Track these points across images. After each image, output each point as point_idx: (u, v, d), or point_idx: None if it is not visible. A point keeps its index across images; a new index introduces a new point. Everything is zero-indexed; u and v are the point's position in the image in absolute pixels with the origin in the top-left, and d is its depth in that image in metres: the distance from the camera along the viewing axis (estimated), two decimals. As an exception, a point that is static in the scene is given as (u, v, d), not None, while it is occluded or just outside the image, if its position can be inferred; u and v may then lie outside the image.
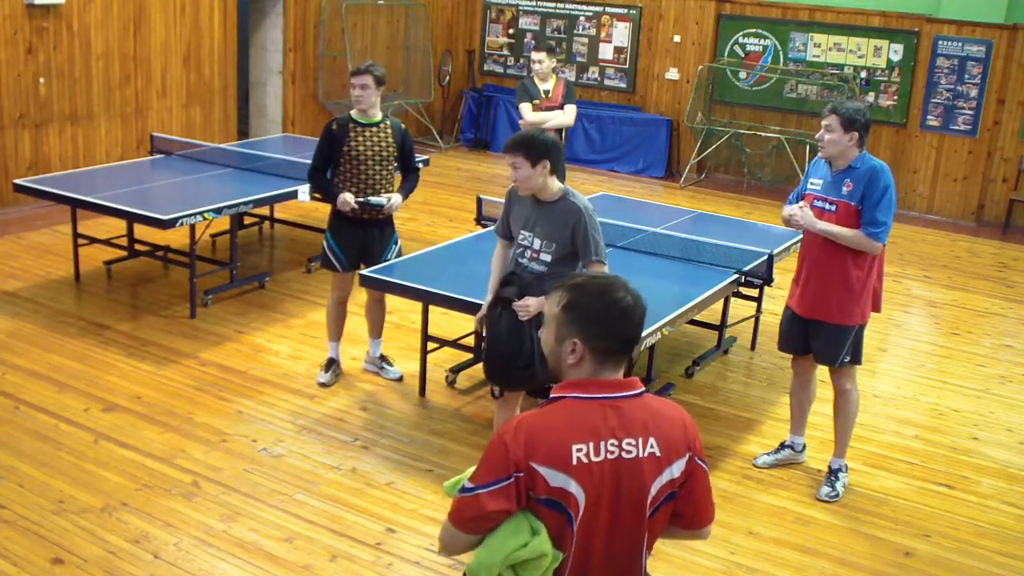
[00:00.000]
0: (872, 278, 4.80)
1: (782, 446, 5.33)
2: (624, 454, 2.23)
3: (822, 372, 5.21)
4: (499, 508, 2.16)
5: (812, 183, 4.84)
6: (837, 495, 5.00)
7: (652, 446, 2.26)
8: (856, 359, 4.92)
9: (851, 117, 4.59)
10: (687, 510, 2.39)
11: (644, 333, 4.93)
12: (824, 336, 4.86)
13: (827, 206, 4.73)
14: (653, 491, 2.27)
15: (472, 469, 2.28)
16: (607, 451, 2.21)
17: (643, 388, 2.33)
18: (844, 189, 4.67)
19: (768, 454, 5.32)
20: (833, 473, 5.08)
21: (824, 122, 4.70)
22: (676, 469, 2.31)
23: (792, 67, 11.82)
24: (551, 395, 2.31)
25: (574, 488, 2.18)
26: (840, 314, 4.78)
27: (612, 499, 2.23)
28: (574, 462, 2.18)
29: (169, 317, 6.75)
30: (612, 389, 2.27)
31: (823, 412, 5.41)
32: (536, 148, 4.15)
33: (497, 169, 12.09)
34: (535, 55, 7.69)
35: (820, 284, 4.78)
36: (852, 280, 4.74)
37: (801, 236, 5.04)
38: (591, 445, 2.20)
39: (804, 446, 5.31)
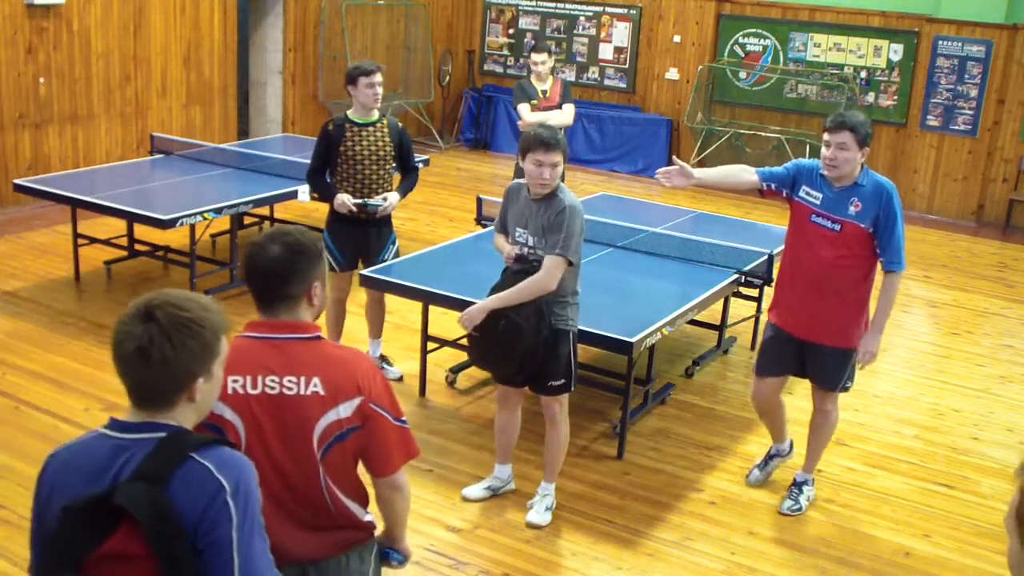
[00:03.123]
0: (871, 296, 4.56)
1: (769, 456, 5.09)
2: (285, 391, 2.44)
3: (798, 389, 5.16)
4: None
5: (808, 194, 4.45)
6: (800, 508, 4.82)
7: (316, 385, 2.44)
8: (852, 379, 4.69)
9: (865, 133, 4.26)
10: (368, 456, 2.54)
11: (644, 333, 4.97)
12: (826, 361, 4.57)
13: (830, 224, 4.38)
14: (319, 429, 2.45)
15: None
16: (265, 386, 2.44)
17: (317, 333, 2.52)
18: (851, 209, 4.33)
19: (758, 467, 5.08)
20: (797, 486, 4.90)
21: (835, 139, 4.27)
22: (344, 410, 2.46)
23: (792, 67, 11.82)
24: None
25: (230, 416, 2.43)
26: (845, 336, 4.50)
27: (276, 431, 2.44)
28: (229, 391, 2.42)
29: (169, 317, 6.74)
30: (280, 330, 2.49)
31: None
32: (566, 149, 4.26)
33: (497, 169, 12.09)
34: (537, 56, 7.69)
35: (824, 306, 4.46)
36: (856, 301, 4.47)
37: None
38: (247, 379, 2.44)
39: (791, 444, 5.09)
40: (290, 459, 2.46)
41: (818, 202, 4.40)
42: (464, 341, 6.08)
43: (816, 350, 4.55)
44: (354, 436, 2.48)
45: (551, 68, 7.71)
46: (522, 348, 4.23)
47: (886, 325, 4.50)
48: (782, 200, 4.58)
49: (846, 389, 4.66)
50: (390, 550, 2.77)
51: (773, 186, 4.53)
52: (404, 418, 2.58)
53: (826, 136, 4.31)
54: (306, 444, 2.45)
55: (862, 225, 4.32)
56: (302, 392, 2.44)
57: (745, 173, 4.61)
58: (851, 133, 4.23)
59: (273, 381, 2.44)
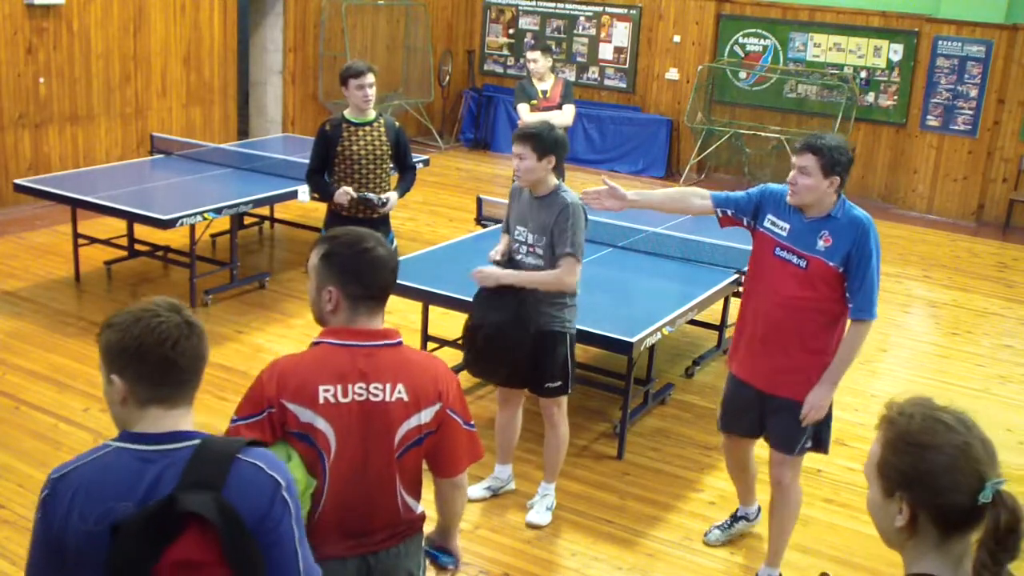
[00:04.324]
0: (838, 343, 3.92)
1: (735, 518, 4.55)
2: (371, 397, 2.46)
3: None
4: (255, 438, 2.29)
5: (774, 224, 3.87)
6: None
7: (400, 392, 2.48)
8: (820, 446, 4.01)
9: (833, 159, 3.66)
10: (438, 458, 2.61)
11: (644, 333, 4.97)
12: (783, 416, 3.93)
13: (795, 259, 3.79)
14: (400, 433, 2.50)
15: None
16: (355, 394, 2.45)
17: (399, 339, 2.54)
18: (821, 243, 3.75)
19: (719, 528, 4.54)
20: None
21: (798, 162, 3.72)
22: (425, 416, 2.52)
23: (792, 67, 11.82)
24: (312, 342, 2.52)
25: (322, 425, 2.43)
26: (806, 390, 3.86)
27: (361, 437, 2.47)
28: (321, 401, 2.42)
29: (169, 317, 6.74)
30: (365, 338, 2.49)
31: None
32: (544, 143, 4.19)
33: (497, 169, 12.09)
34: (530, 55, 7.71)
35: (781, 349, 3.86)
36: (821, 351, 3.84)
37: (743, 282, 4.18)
38: (338, 387, 2.43)
39: (759, 509, 4.57)
40: (372, 464, 2.50)
41: (784, 233, 3.83)
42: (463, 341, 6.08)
43: (774, 403, 3.95)
44: (429, 440, 2.56)
45: (550, 67, 7.71)
46: (505, 356, 4.20)
47: (845, 374, 3.87)
48: (745, 229, 4.04)
49: (803, 451, 3.99)
50: (440, 552, 2.81)
51: (730, 213, 4.00)
52: (472, 422, 2.64)
53: (792, 158, 3.81)
54: (388, 449, 2.50)
55: (831, 263, 3.73)
56: (387, 399, 2.47)
57: (695, 198, 4.09)
58: (814, 156, 3.66)
59: (361, 388, 2.46)
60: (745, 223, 3.99)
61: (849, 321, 3.83)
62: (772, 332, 3.87)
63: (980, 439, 1.71)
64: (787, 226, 3.83)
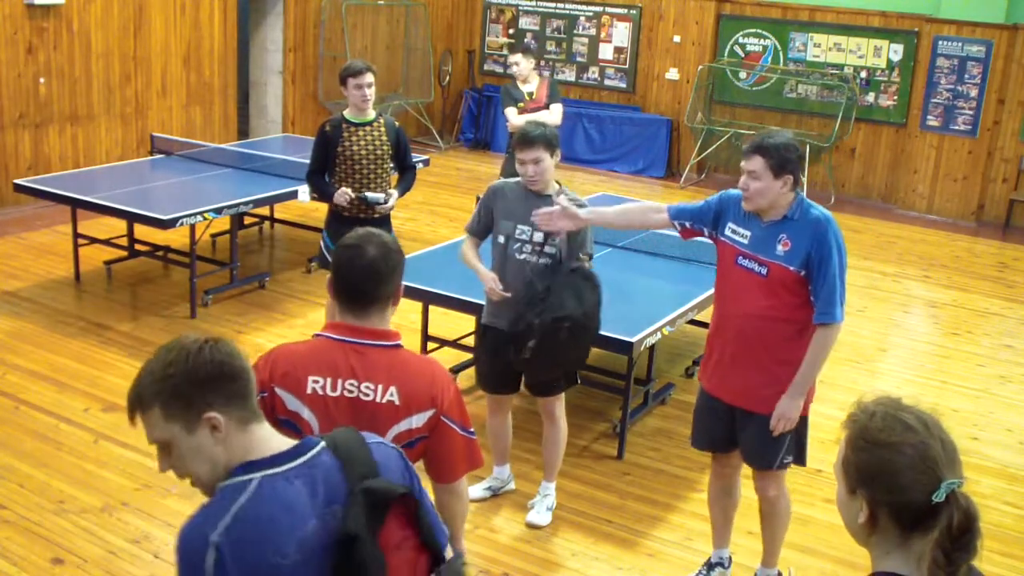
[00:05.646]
0: None
1: (710, 566, 4.28)
2: (362, 396, 2.47)
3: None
4: None
5: (735, 232, 3.72)
6: None
7: (392, 394, 2.48)
8: (800, 459, 3.89)
9: (782, 159, 3.52)
10: (433, 463, 2.62)
11: (644, 333, 4.97)
12: (756, 430, 3.77)
13: (756, 267, 3.64)
14: (390, 436, 2.48)
15: None
16: (344, 389, 2.47)
17: (397, 341, 2.54)
18: (779, 248, 3.59)
19: None
20: None
21: (747, 166, 3.57)
22: (416, 420, 2.51)
23: (792, 67, 11.82)
24: (314, 334, 2.58)
25: (307, 415, 2.46)
26: (776, 402, 3.70)
27: None
28: (308, 391, 2.46)
29: (169, 317, 6.75)
30: (357, 335, 2.51)
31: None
32: (551, 141, 4.23)
33: (497, 169, 12.05)
34: (511, 58, 7.72)
35: (752, 363, 3.70)
36: (792, 362, 3.66)
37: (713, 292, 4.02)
38: (328, 380, 2.46)
39: (731, 558, 4.34)
40: None
41: (746, 241, 3.68)
42: (466, 342, 6.08)
43: (746, 419, 3.80)
44: (421, 444, 2.55)
45: (533, 68, 7.70)
46: (571, 353, 4.24)
47: (815, 380, 3.71)
48: (707, 239, 3.90)
49: (784, 466, 3.87)
50: None
51: (688, 224, 3.85)
52: (472, 429, 2.63)
53: (741, 163, 3.66)
54: None
55: (791, 267, 3.57)
56: (378, 400, 2.48)
57: (652, 213, 3.98)
58: (762, 158, 3.53)
59: (352, 385, 2.47)
60: (706, 233, 3.83)
61: (814, 326, 3.64)
62: (741, 346, 3.71)
63: (940, 439, 1.71)
64: (748, 233, 3.68)
